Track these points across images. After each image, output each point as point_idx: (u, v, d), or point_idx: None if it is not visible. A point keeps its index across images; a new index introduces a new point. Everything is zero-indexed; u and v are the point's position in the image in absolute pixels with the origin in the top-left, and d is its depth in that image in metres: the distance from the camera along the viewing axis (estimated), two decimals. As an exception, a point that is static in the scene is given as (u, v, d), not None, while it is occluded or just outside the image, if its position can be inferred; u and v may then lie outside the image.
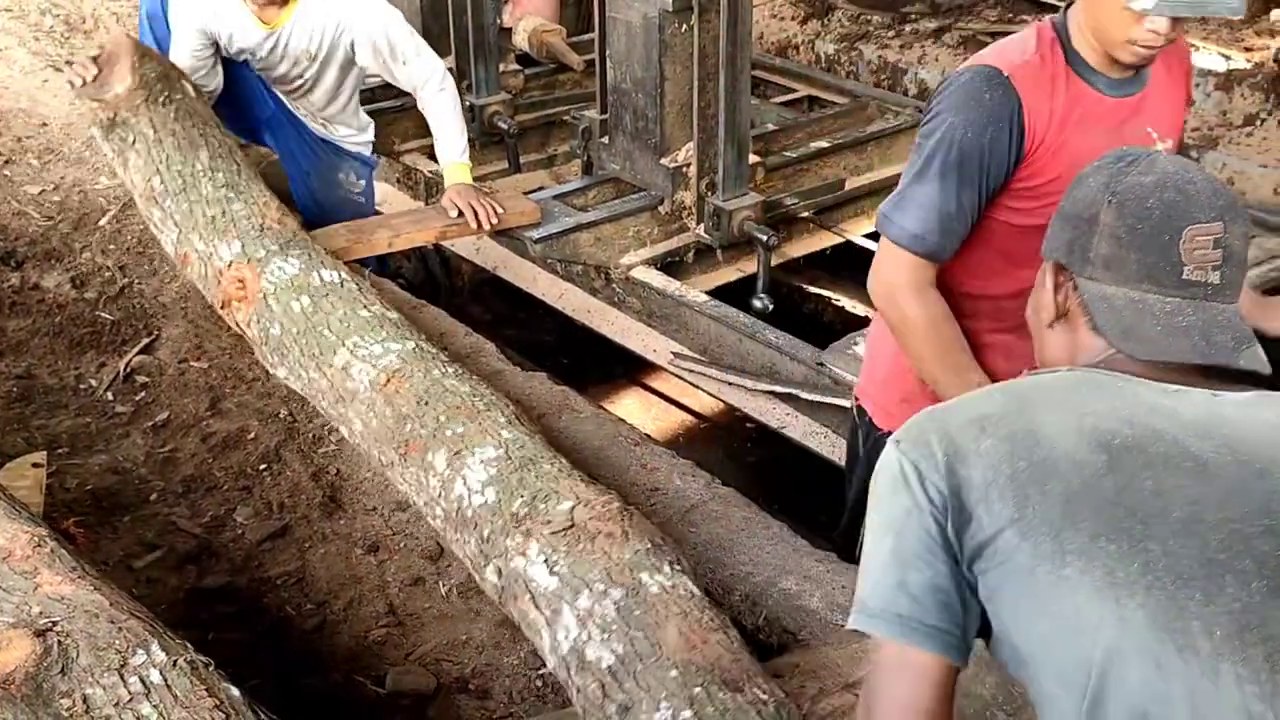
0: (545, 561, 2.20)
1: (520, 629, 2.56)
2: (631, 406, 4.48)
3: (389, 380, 2.78)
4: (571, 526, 2.24)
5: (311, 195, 4.23)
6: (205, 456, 3.18)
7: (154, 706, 1.75)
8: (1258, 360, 1.37)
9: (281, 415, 3.31)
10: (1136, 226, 1.39)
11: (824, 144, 4.55)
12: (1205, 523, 1.22)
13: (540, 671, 2.59)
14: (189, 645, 1.91)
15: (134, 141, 3.46)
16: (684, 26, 3.91)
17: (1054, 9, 5.54)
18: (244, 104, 4.04)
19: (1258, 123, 4.58)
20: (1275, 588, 1.19)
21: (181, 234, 3.33)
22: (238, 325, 3.21)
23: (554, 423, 3.06)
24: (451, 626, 2.70)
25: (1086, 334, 1.43)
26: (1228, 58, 4.89)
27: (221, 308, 3.24)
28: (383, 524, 2.97)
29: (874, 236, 4.54)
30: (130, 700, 1.76)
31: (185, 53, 3.79)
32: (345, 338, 2.92)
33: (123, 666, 1.81)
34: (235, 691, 1.79)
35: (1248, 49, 4.96)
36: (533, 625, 2.21)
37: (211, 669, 1.84)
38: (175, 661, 1.81)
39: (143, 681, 1.79)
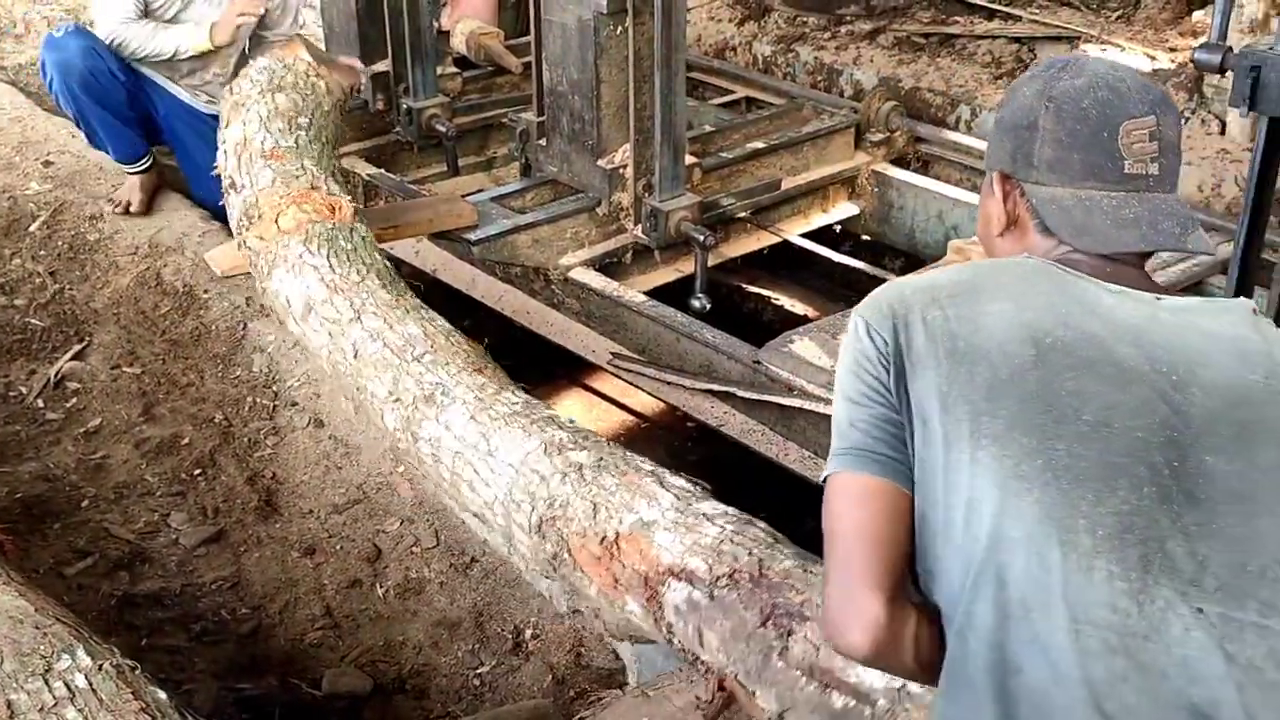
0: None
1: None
2: (573, 407, 4.49)
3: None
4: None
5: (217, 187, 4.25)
6: (138, 463, 3.16)
7: (79, 711, 1.74)
8: (1203, 243, 1.44)
9: (216, 420, 3.29)
10: (1076, 128, 1.44)
11: (760, 145, 4.57)
12: (1112, 428, 1.29)
13: (478, 670, 2.60)
14: (115, 650, 1.90)
15: None
16: (619, 29, 3.92)
17: (988, 12, 5.63)
18: (146, 101, 4.17)
19: (1183, 122, 4.66)
20: (1164, 495, 1.27)
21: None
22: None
23: (491, 423, 3.06)
24: (388, 627, 2.70)
25: (1036, 237, 1.49)
26: (1153, 58, 4.99)
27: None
28: (319, 527, 2.96)
29: (811, 236, 4.61)
30: (55, 705, 1.75)
31: (117, 13, 3.92)
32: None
33: (47, 671, 1.80)
34: (162, 695, 1.78)
35: (1172, 49, 5.06)
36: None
37: (138, 673, 1.83)
38: (101, 666, 1.80)
39: (67, 686, 1.78)
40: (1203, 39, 2.77)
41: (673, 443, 4.28)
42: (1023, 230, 1.50)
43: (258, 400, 3.35)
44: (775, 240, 4.47)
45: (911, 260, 4.48)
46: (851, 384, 1.41)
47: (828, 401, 3.23)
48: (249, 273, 3.80)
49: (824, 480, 1.40)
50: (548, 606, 2.68)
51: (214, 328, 3.62)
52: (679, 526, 2.16)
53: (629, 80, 3.96)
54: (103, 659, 1.82)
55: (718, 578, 2.04)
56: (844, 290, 4.27)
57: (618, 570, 2.21)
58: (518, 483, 2.41)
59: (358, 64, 4.53)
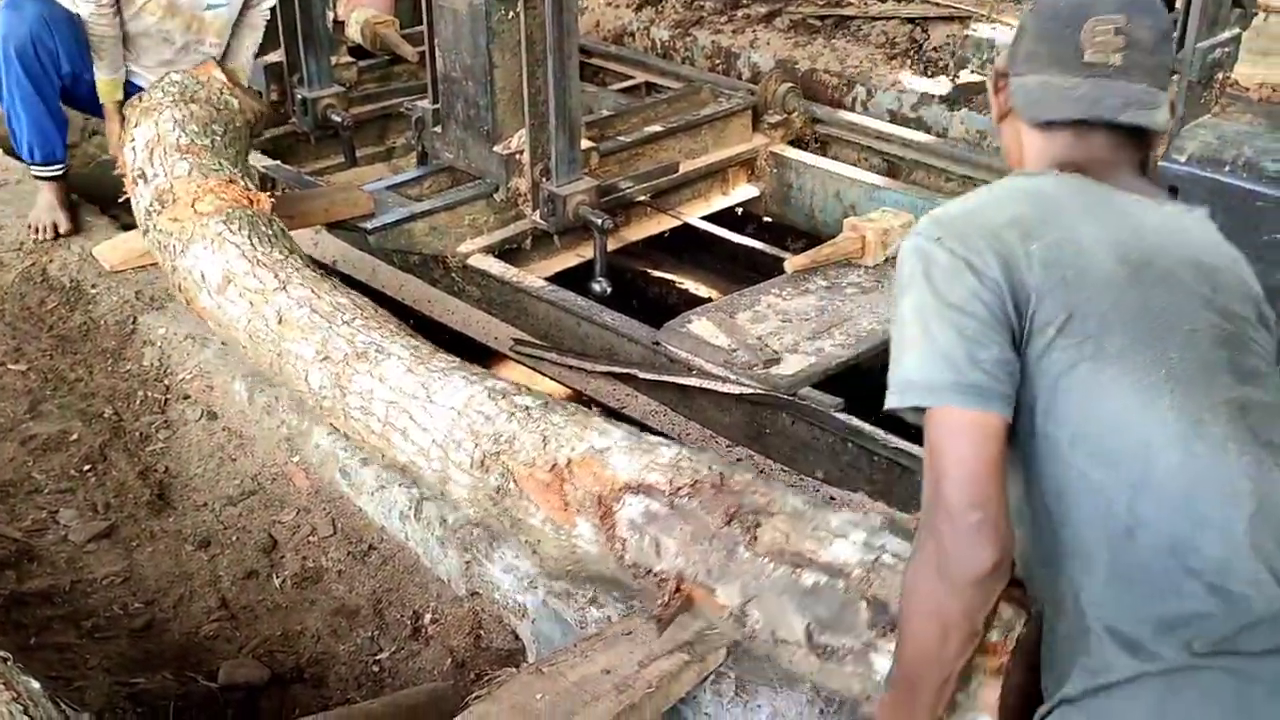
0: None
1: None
2: (477, 396, 4.47)
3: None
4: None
5: None
6: (25, 460, 3.09)
7: (-51, 703, 1.70)
8: (1139, 118, 1.63)
9: (106, 415, 3.23)
10: (1047, 25, 1.66)
11: (658, 128, 4.58)
12: (1199, 332, 1.51)
13: (377, 657, 2.58)
14: (-11, 642, 1.86)
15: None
16: (510, 13, 3.91)
17: (881, -7, 5.69)
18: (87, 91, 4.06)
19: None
20: (1240, 379, 1.51)
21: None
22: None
23: (387, 409, 3.04)
24: (286, 617, 2.68)
25: (1023, 126, 1.70)
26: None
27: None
28: (214, 519, 2.92)
29: (711, 219, 4.63)
30: (-75, 699, 1.70)
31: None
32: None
33: (-84, 666, 1.76)
34: (35, 685, 1.74)
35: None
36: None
37: (9, 663, 1.79)
38: (-29, 658, 1.76)
39: (-64, 680, 1.73)
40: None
41: (578, 427, 4.29)
42: (1013, 119, 1.72)
43: (149, 394, 3.29)
44: (675, 223, 4.49)
45: (812, 240, 4.52)
46: (961, 320, 1.47)
47: (725, 380, 3.27)
48: (140, 267, 3.74)
49: (915, 404, 1.49)
50: (447, 591, 2.67)
51: (103, 322, 3.55)
52: (634, 450, 2.24)
53: (522, 65, 3.95)
54: (-27, 652, 1.78)
55: (678, 489, 2.13)
56: (746, 271, 4.30)
57: (569, 493, 2.27)
58: (459, 424, 2.48)
59: (259, 98, 4.45)
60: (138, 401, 3.29)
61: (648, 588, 2.19)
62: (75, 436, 3.15)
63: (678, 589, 2.12)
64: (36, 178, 3.97)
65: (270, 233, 3.25)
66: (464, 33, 4.00)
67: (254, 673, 2.53)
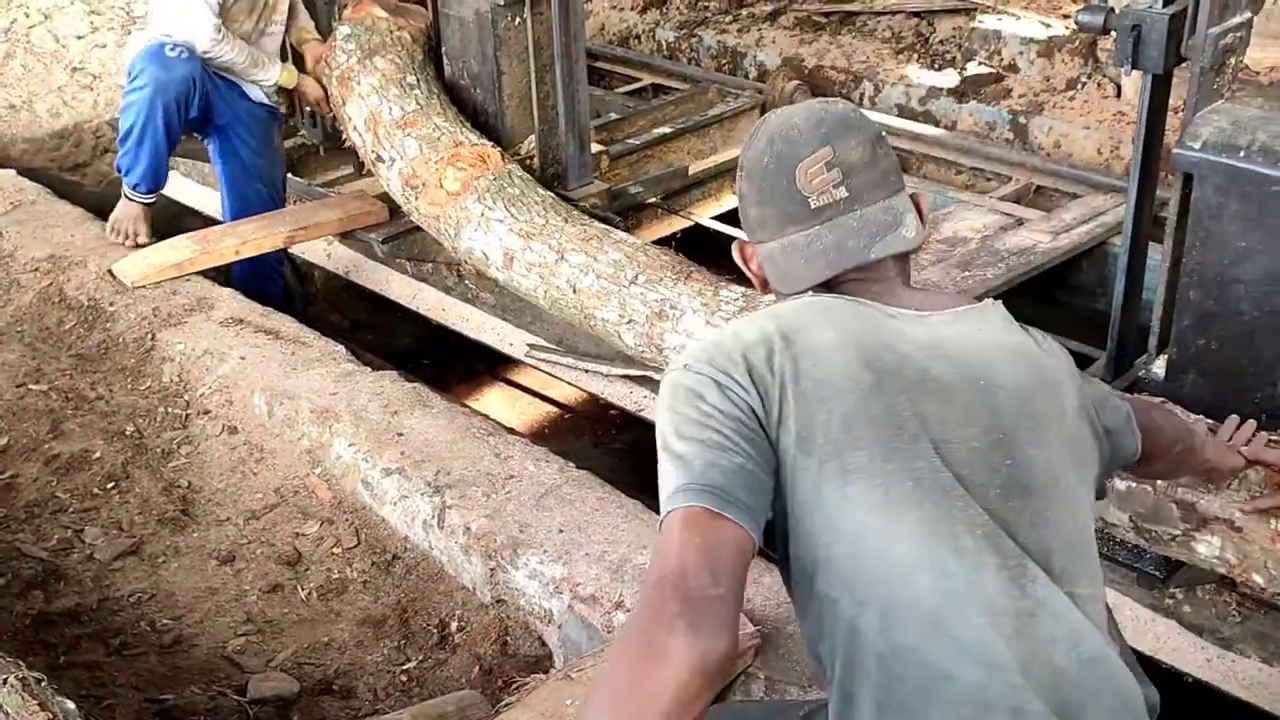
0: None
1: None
2: (495, 401, 4.48)
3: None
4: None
5: (252, 184, 4.26)
6: (48, 480, 3.10)
7: (-14, 726, 1.71)
8: (889, 247, 1.52)
9: (128, 432, 3.24)
10: (763, 186, 1.54)
11: (667, 130, 4.60)
12: (953, 442, 1.39)
13: (404, 666, 2.59)
14: (21, 664, 1.86)
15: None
16: (517, 19, 3.92)
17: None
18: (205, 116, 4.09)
19: (1079, 86, 4.76)
20: (1008, 492, 1.40)
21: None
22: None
23: (407, 419, 3.05)
24: (312, 630, 2.68)
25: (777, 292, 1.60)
26: (1047, 25, 5.07)
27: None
28: (237, 533, 2.93)
29: (722, 219, 4.63)
30: (-39, 722, 1.72)
31: (208, 25, 3.88)
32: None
33: (-48, 690, 1.77)
34: (70, 705, 1.75)
35: (1065, 16, 5.15)
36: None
37: (44, 684, 1.80)
38: (5, 680, 1.77)
39: (-27, 703, 1.75)
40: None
41: (596, 430, 4.30)
42: (773, 288, 1.61)
43: (169, 410, 3.30)
44: (687, 224, 4.50)
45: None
46: (707, 435, 1.33)
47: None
48: (160, 282, 3.76)
49: (666, 510, 1.30)
50: (472, 599, 2.68)
51: (121, 340, 3.56)
52: None
53: (530, 71, 3.96)
54: (6, 673, 1.79)
55: None
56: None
57: None
58: None
59: (422, 9, 4.43)
60: (159, 418, 3.30)
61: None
62: (97, 455, 3.17)
63: None
64: (133, 200, 4.05)
65: (517, 190, 3.65)
66: (471, 40, 4.01)
67: (282, 686, 2.54)
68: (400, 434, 2.99)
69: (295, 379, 3.24)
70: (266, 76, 4.14)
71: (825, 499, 1.34)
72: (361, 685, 2.55)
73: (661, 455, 1.36)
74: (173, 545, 2.91)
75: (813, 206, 1.52)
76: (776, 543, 1.41)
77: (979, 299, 1.61)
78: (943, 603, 1.32)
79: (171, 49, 3.90)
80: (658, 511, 1.35)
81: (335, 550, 2.85)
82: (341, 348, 3.46)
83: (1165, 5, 2.55)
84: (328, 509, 2.95)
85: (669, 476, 1.33)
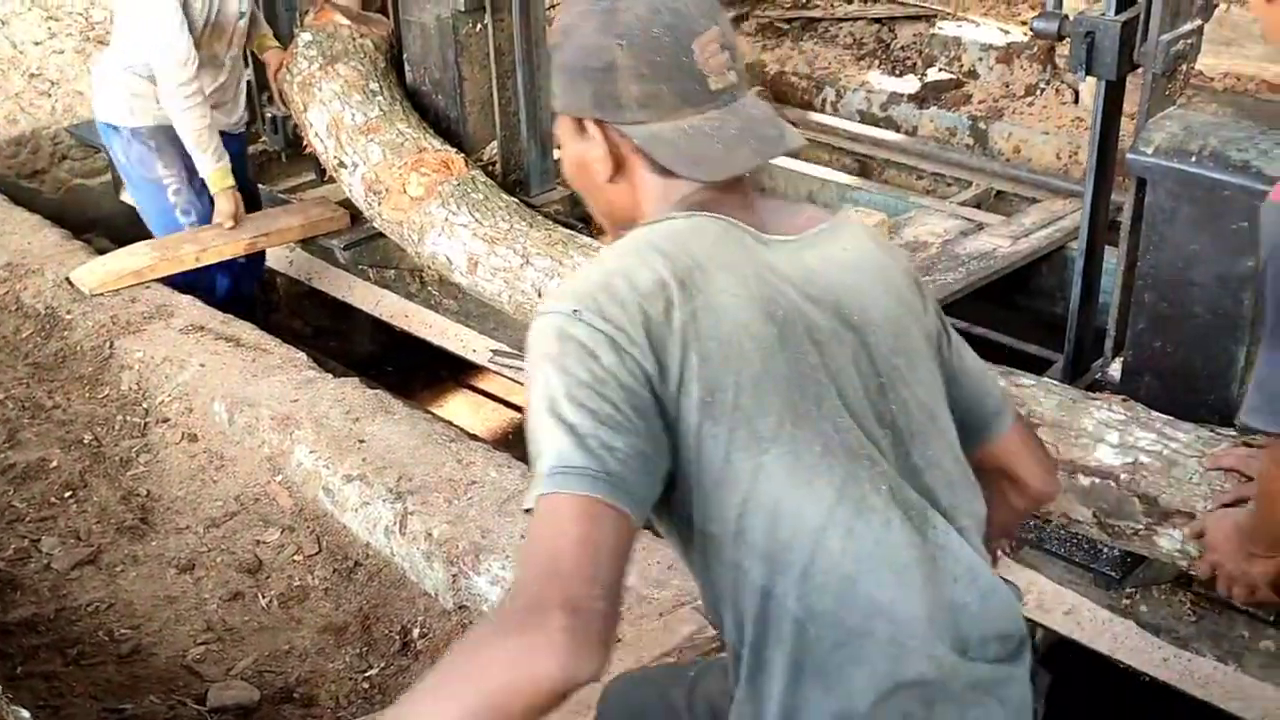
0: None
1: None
2: (458, 407, 4.47)
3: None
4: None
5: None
6: (5, 489, 3.07)
7: (-61, 738, 1.69)
8: (793, 141, 1.43)
9: (86, 441, 3.22)
10: (654, 59, 1.36)
11: (629, 136, 4.60)
12: (848, 395, 1.34)
13: (366, 674, 2.58)
14: (-24, 674, 1.85)
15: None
16: (478, 26, 3.92)
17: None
18: None
19: (1038, 92, 4.80)
20: (899, 439, 1.38)
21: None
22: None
23: (368, 426, 3.04)
24: (273, 637, 2.67)
25: (649, 176, 1.41)
26: (1006, 32, 5.12)
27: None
28: (197, 541, 2.91)
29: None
30: (-86, 734, 1.70)
31: (183, 43, 3.69)
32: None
33: (-94, 702, 1.75)
34: (26, 715, 1.74)
35: (1023, 23, 5.20)
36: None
37: (0, 695, 1.78)
38: (-40, 690, 1.75)
39: (-73, 714, 1.73)
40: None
41: (560, 436, 4.29)
42: (631, 172, 1.42)
43: (128, 418, 3.28)
44: (650, 229, 4.50)
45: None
46: (599, 405, 1.23)
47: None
48: (118, 290, 3.73)
49: (542, 494, 1.20)
50: (434, 605, 2.67)
51: (79, 348, 3.53)
52: None
53: (492, 77, 3.97)
54: (-39, 684, 1.77)
55: None
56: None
57: None
58: None
59: (384, 18, 4.37)
60: (117, 426, 3.28)
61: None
62: (55, 464, 3.14)
63: None
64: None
65: (481, 196, 3.66)
66: (432, 47, 4.01)
67: (243, 694, 2.52)
68: (362, 441, 2.98)
69: (256, 386, 3.23)
70: (203, 161, 3.86)
71: (737, 468, 1.28)
72: (323, 693, 2.54)
73: (545, 415, 1.24)
74: (131, 554, 2.89)
75: (711, 88, 1.37)
76: (669, 511, 1.33)
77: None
78: (856, 565, 1.30)
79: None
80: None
81: (296, 558, 2.84)
82: (303, 354, 3.44)
83: (1118, 12, 2.58)
84: (289, 516, 2.94)
85: (555, 445, 1.22)
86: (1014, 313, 4.07)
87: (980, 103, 4.87)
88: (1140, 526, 2.31)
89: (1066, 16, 2.70)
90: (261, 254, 4.19)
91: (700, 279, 1.31)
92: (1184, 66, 2.62)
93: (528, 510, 1.22)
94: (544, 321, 1.29)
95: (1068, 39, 2.68)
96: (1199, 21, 2.59)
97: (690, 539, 1.34)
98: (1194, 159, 2.44)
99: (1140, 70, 2.62)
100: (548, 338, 1.28)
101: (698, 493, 1.30)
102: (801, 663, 1.31)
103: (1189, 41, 2.59)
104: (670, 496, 1.31)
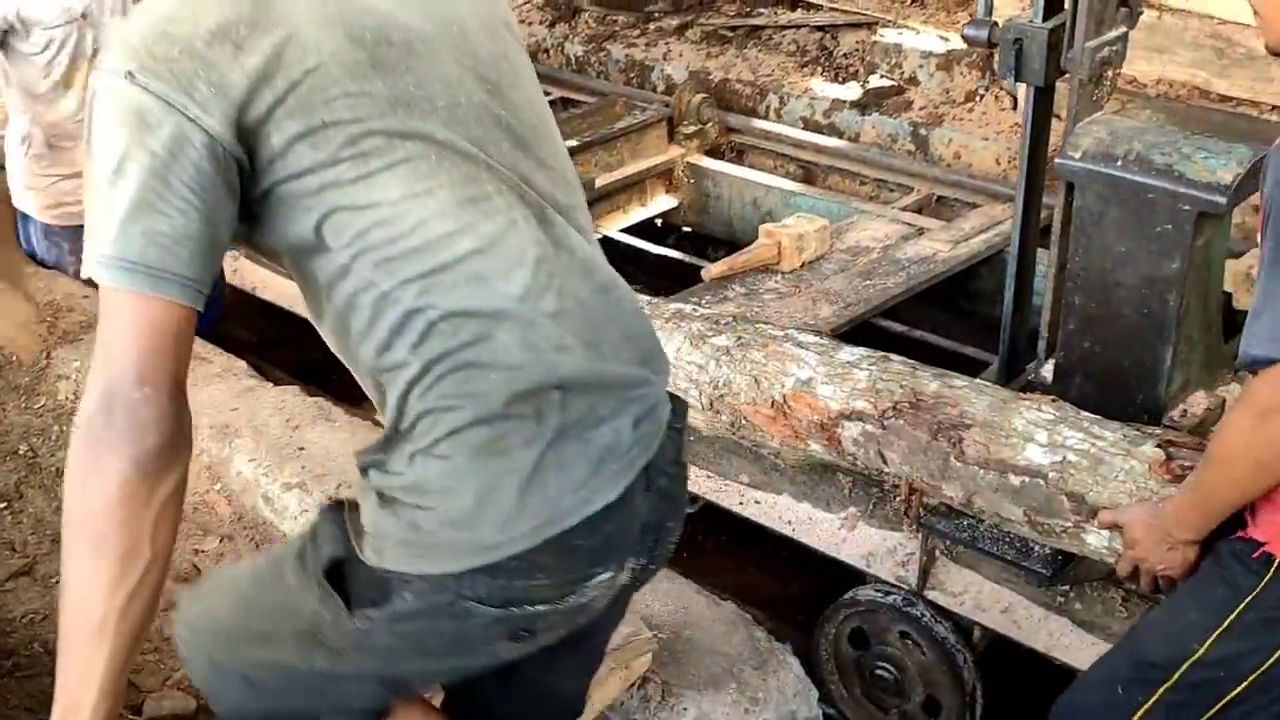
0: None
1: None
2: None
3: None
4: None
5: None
6: (-63, 502, 3.04)
7: None
8: None
9: (21, 452, 3.18)
10: None
11: (573, 143, 4.62)
12: (460, 102, 1.37)
13: (305, 681, 2.57)
14: (-100, 685, 1.83)
15: None
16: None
17: (791, 2, 5.77)
18: None
19: (977, 98, 4.87)
20: (518, 141, 1.42)
21: None
22: None
23: (308, 433, 3.04)
24: (211, 647, 2.65)
25: None
26: (946, 39, 5.18)
27: None
28: (135, 552, 2.89)
29: (630, 231, 4.66)
30: None
31: None
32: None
33: None
34: (-48, 726, 1.72)
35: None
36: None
37: (-77, 705, 1.77)
38: (-117, 702, 1.73)
39: None
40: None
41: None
42: None
43: (64, 429, 3.24)
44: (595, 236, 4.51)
45: (731, 248, 4.57)
46: (148, 184, 1.23)
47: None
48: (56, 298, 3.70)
49: (91, 277, 1.27)
50: (374, 611, 2.66)
51: (15, 358, 3.50)
52: (834, 377, 2.66)
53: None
54: (-117, 695, 1.75)
55: (883, 412, 2.56)
56: (665, 282, 4.34)
57: (795, 424, 2.70)
58: (679, 375, 2.85)
59: None
60: (54, 437, 3.24)
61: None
62: (-11, 475, 3.11)
63: (911, 489, 2.59)
64: None
65: None
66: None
67: (180, 704, 2.51)
68: (301, 448, 2.97)
69: (195, 395, 3.14)
70: None
71: (348, 196, 1.30)
72: (261, 701, 2.53)
73: (108, 179, 1.24)
74: (68, 565, 2.86)
75: None
76: (302, 262, 1.35)
77: None
78: (486, 265, 1.34)
79: None
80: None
81: (235, 566, 2.83)
82: (243, 363, 3.43)
83: (1045, 19, 2.63)
84: (227, 525, 2.93)
85: (103, 220, 1.24)
86: (955, 316, 4.13)
87: (921, 109, 4.93)
88: (1069, 524, 2.35)
89: (996, 23, 2.75)
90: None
91: (275, 10, 1.29)
92: (1110, 72, 2.67)
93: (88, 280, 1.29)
94: (100, 84, 1.26)
95: (998, 46, 2.73)
96: (1123, 29, 2.65)
97: (321, 285, 1.35)
98: (1120, 163, 2.49)
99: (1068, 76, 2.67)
100: (103, 103, 1.26)
101: (316, 239, 1.31)
102: (434, 365, 1.34)
103: (1114, 48, 2.64)
104: (296, 244, 1.33)
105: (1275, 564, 1.79)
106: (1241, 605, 1.80)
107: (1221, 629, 1.81)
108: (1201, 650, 1.82)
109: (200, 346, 3.51)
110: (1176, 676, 1.85)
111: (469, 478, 1.36)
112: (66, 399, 3.36)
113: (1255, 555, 1.81)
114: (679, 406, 1.57)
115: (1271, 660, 1.78)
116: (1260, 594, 1.79)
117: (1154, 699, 1.88)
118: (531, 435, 1.35)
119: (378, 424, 3.45)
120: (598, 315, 1.42)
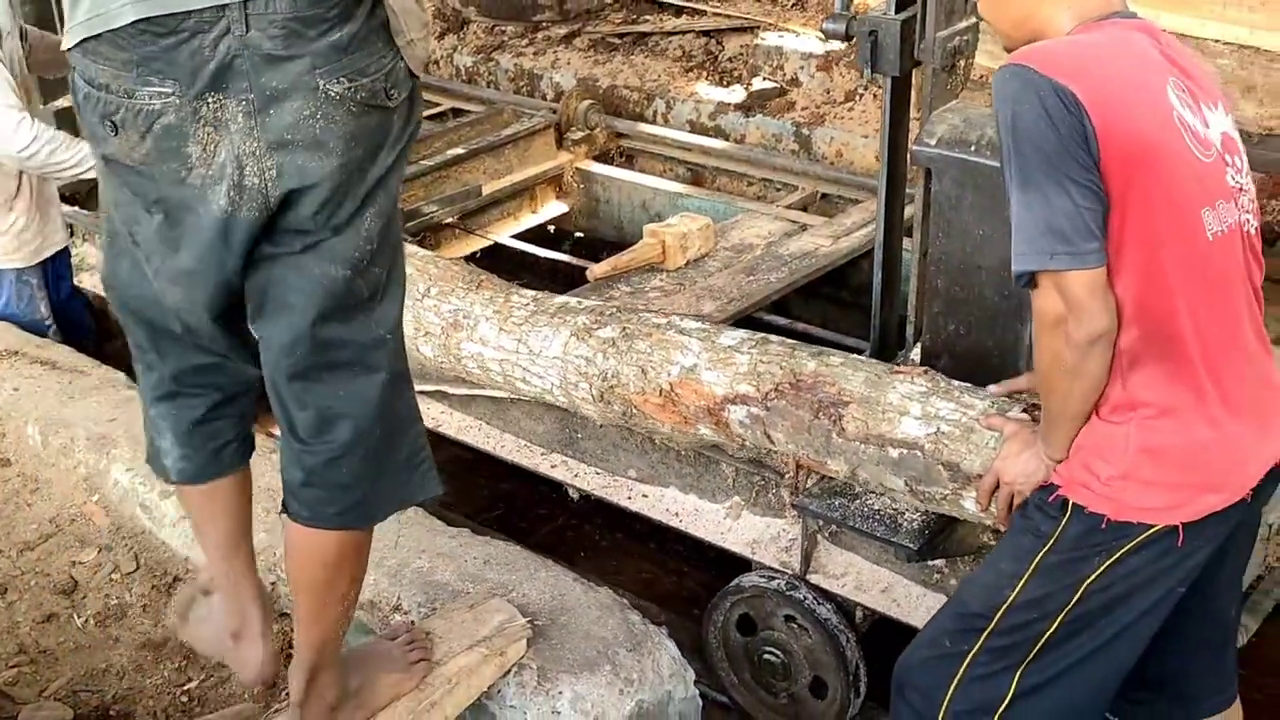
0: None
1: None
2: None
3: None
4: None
5: None
6: None
7: None
8: None
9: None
10: None
11: (461, 151, 4.63)
12: None
13: (185, 687, 2.56)
14: None
15: None
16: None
17: (675, 9, 5.85)
18: None
19: (856, 97, 4.98)
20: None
21: None
22: None
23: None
24: (89, 657, 2.63)
25: None
26: (825, 41, 5.29)
27: None
28: (10, 565, 2.85)
29: (520, 237, 4.68)
30: None
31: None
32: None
33: None
34: None
35: (843, 33, 5.39)
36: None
37: None
38: None
39: None
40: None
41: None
42: None
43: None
44: (485, 243, 4.54)
45: (622, 250, 4.61)
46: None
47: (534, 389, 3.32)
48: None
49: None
50: (256, 615, 2.65)
51: (-113, 377, 3.43)
52: (717, 363, 2.74)
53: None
54: None
55: (766, 394, 2.64)
56: (555, 285, 4.36)
57: (684, 410, 2.78)
58: (568, 370, 2.94)
59: None
60: (-74, 453, 3.19)
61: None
62: None
63: (799, 466, 2.70)
64: None
65: None
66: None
67: (56, 715, 2.48)
68: (180, 456, 2.94)
69: (71, 408, 3.18)
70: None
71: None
72: (140, 709, 2.51)
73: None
74: (-59, 581, 2.81)
75: None
76: None
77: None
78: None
79: None
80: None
81: (114, 576, 2.80)
82: (121, 374, 3.38)
83: (898, 11, 2.70)
84: (106, 535, 2.90)
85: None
86: (838, 308, 4.21)
87: (803, 109, 5.03)
88: (947, 491, 2.41)
89: (854, 17, 2.82)
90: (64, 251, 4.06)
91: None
92: (962, 62, 2.75)
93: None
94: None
95: (855, 38, 2.81)
96: (973, 19, 2.73)
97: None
98: (974, 148, 2.57)
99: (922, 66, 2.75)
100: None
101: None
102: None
103: (964, 38, 2.73)
104: None
105: (1070, 507, 1.91)
106: (1044, 550, 1.93)
107: (1028, 574, 1.94)
108: (1013, 595, 1.94)
109: (77, 360, 3.48)
110: (995, 622, 1.96)
111: None
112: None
113: (1051, 499, 1.95)
114: None
115: (1077, 598, 1.89)
116: (1059, 538, 1.92)
117: (978, 646, 1.99)
118: None
119: (260, 429, 3.43)
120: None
